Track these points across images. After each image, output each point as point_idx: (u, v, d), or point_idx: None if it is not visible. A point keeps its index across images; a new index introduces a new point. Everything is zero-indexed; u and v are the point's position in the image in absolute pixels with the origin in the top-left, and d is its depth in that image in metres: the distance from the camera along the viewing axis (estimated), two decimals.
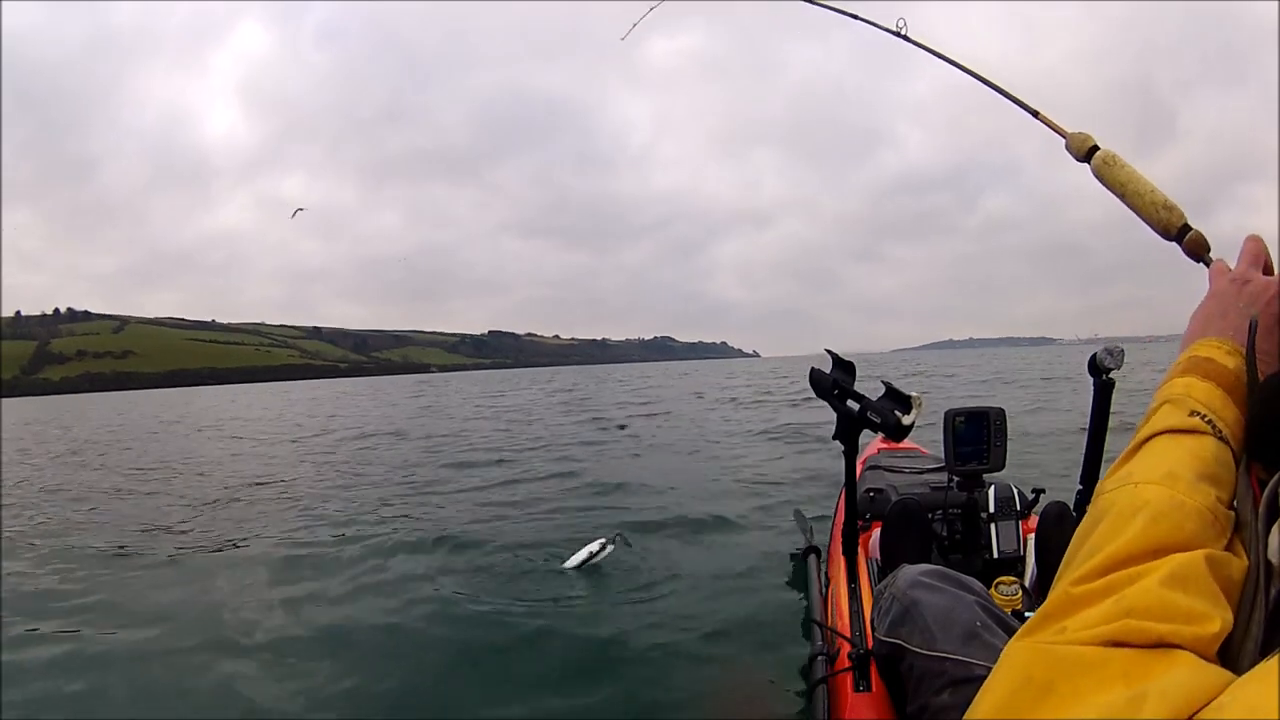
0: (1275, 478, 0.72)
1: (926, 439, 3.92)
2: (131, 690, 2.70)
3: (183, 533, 5.44)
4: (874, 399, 2.15)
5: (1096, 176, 1.14)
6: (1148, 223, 1.05)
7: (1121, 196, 1.10)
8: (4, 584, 4.00)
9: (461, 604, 3.42)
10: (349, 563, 4.24)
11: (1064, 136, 1.23)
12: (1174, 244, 1.02)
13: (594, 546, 3.76)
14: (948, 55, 1.57)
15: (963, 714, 1.24)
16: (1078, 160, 1.19)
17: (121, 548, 4.93)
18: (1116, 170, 1.11)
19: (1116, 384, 2.01)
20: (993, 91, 1.45)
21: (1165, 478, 0.68)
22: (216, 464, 9.91)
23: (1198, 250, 1.00)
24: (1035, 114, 1.35)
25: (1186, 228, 1.01)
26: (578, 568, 3.74)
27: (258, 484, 7.61)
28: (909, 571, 1.51)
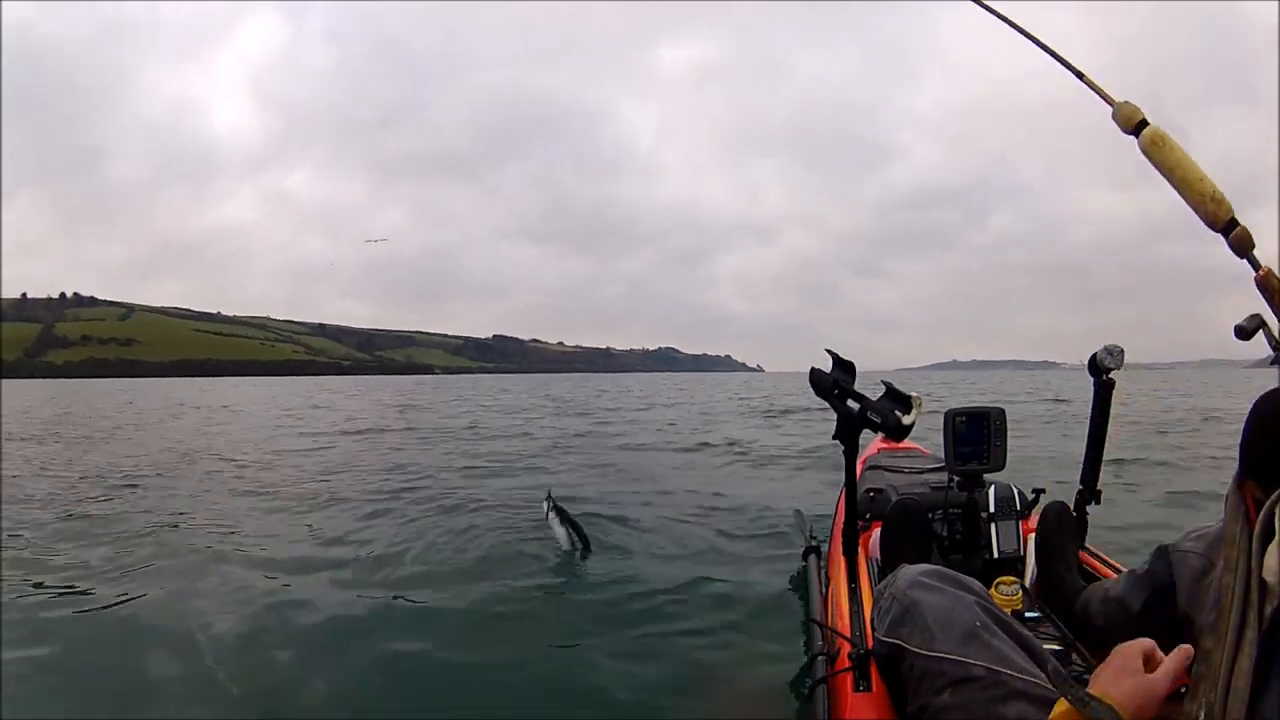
0: (1273, 497, 0.70)
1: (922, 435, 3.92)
2: None
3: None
4: (874, 399, 2.15)
5: (1144, 153, 1.10)
6: (1195, 210, 1.04)
7: (1169, 179, 1.07)
8: None
9: (444, 611, 3.38)
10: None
11: (1111, 105, 1.17)
12: (1219, 236, 1.01)
13: (555, 525, 3.90)
14: (1002, 13, 1.51)
15: (962, 714, 1.24)
16: (1125, 133, 1.14)
17: None
18: (1167, 151, 1.07)
19: (1116, 384, 2.02)
20: (1045, 55, 1.35)
21: None
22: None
23: (1243, 247, 1.00)
24: (1080, 75, 1.27)
25: (1234, 222, 1.01)
26: (571, 547, 3.86)
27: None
28: (909, 571, 1.51)
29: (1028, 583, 2.14)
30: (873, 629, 1.58)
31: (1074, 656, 1.72)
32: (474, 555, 4.09)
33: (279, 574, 3.81)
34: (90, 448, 10.64)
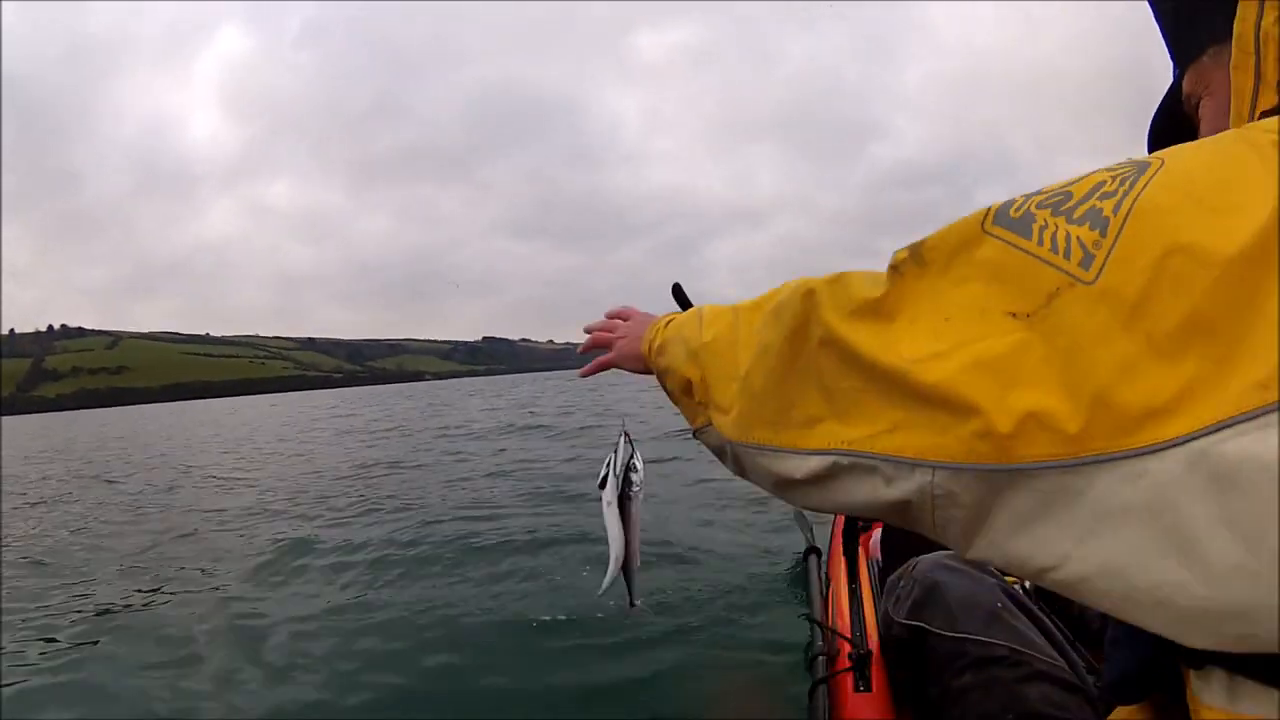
0: None
1: None
2: None
3: None
4: None
5: None
6: None
7: None
8: None
9: (429, 608, 3.40)
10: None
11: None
12: None
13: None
14: None
15: (983, 694, 1.26)
16: None
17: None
18: None
19: None
20: None
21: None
22: None
23: None
24: None
25: None
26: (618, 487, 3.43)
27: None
28: (930, 556, 1.50)
29: (1027, 583, 2.16)
30: (891, 615, 1.53)
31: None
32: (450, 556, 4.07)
33: None
34: None
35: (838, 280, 0.61)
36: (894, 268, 0.56)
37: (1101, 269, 0.42)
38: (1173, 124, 0.67)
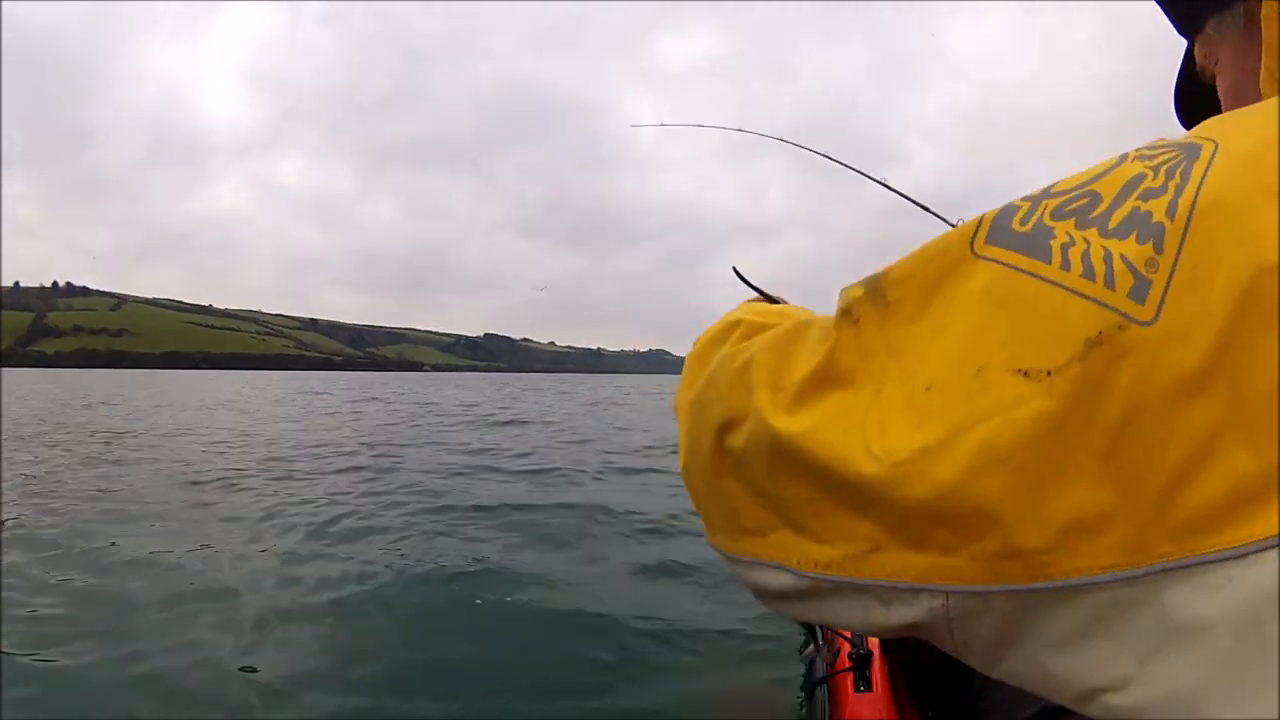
0: None
1: None
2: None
3: None
4: None
5: None
6: None
7: None
8: None
9: (422, 602, 3.34)
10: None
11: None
12: None
13: None
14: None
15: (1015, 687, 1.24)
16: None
17: None
18: None
19: None
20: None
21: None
22: None
23: None
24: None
25: None
26: None
27: None
28: None
29: None
30: None
31: None
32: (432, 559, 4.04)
33: None
34: None
35: (791, 341, 0.46)
36: (845, 312, 0.42)
37: (1163, 301, 0.31)
38: (1198, 89, 0.61)
